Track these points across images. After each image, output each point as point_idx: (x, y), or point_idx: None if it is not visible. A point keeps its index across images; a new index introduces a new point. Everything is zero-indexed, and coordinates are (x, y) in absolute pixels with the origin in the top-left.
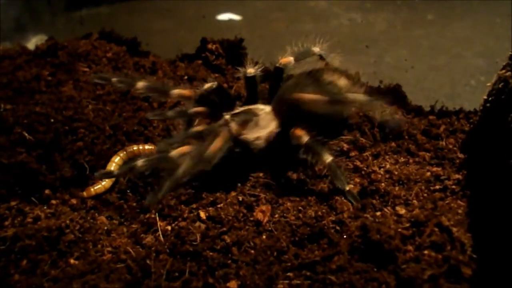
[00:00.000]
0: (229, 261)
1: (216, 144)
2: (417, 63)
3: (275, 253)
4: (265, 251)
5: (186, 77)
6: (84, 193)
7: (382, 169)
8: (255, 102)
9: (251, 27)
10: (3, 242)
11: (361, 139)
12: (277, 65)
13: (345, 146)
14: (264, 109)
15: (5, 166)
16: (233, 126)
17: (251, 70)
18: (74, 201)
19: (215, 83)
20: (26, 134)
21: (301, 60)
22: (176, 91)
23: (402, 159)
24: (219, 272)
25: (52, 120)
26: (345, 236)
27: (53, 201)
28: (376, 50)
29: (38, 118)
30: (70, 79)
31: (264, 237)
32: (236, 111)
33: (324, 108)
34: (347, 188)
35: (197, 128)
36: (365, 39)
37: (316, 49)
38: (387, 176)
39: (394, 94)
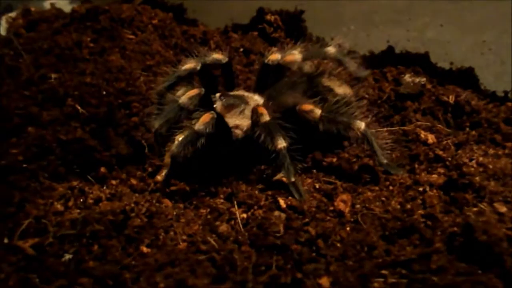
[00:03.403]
0: (317, 255)
1: (204, 119)
2: (462, 38)
3: (365, 248)
4: (353, 246)
5: (241, 50)
6: (159, 177)
7: (473, 161)
8: (260, 91)
9: None
10: (73, 226)
11: (438, 125)
12: (281, 62)
13: (422, 133)
14: (256, 101)
15: (63, 142)
16: (218, 105)
17: (273, 57)
18: (133, 181)
19: (226, 58)
20: (79, 108)
21: (310, 59)
22: (182, 68)
23: (491, 151)
24: (308, 267)
25: (104, 93)
26: (439, 233)
27: (113, 181)
28: (416, 23)
29: (89, 90)
30: (114, 46)
31: (348, 229)
32: (230, 93)
33: (319, 124)
34: (293, 179)
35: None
36: (403, 11)
37: (332, 50)
38: (480, 169)
39: (466, 78)
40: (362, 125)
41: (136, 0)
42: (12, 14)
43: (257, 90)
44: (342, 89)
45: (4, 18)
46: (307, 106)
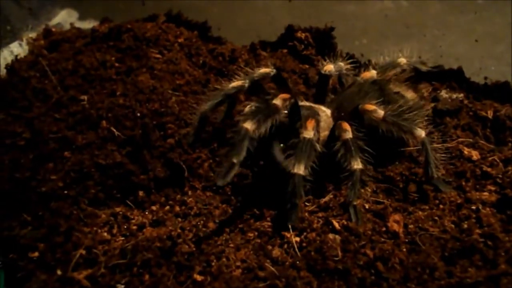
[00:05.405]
0: (378, 279)
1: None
2: (473, 51)
3: (427, 270)
4: (414, 268)
5: None
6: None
7: None
8: (320, 102)
9: (290, 6)
10: (123, 255)
11: (481, 141)
12: (358, 79)
13: (466, 149)
14: (325, 112)
15: (102, 167)
16: None
17: (328, 68)
18: (176, 205)
19: (274, 70)
20: (115, 130)
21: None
22: (230, 85)
23: None
24: None
25: (138, 114)
26: (502, 254)
27: (153, 207)
28: (426, 36)
29: (123, 112)
30: (142, 66)
31: (404, 250)
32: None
33: (381, 124)
34: (355, 203)
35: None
36: (412, 24)
37: (404, 61)
38: None
39: (502, 92)
40: (422, 133)
41: (159, 18)
42: (33, 35)
43: (316, 101)
44: (409, 94)
45: (24, 39)
46: (370, 106)
